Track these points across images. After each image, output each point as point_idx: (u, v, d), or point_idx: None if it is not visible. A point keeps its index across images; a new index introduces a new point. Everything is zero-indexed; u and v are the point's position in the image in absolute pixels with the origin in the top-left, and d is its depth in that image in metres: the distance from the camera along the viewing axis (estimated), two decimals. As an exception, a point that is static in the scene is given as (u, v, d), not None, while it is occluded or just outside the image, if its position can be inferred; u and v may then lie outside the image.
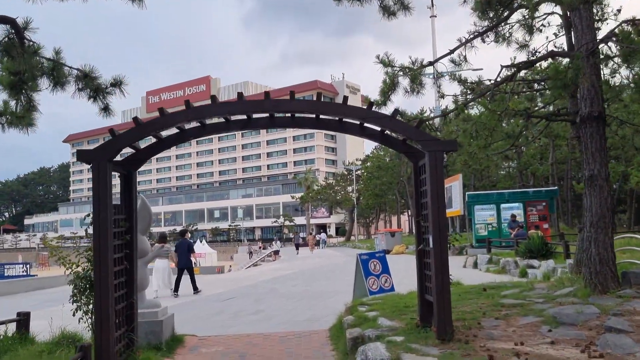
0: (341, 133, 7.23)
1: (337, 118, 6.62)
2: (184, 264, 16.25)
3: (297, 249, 51.01)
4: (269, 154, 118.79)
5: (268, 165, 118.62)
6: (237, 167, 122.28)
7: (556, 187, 27.74)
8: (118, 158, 6.15)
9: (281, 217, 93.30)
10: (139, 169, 6.71)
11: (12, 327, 7.35)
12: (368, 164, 70.76)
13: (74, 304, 6.32)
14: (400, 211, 71.68)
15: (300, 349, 7.72)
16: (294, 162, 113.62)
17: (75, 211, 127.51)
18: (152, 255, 8.20)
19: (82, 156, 5.78)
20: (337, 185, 77.87)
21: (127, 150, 6.43)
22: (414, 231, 62.21)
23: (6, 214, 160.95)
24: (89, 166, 6.28)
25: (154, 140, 6.80)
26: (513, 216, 22.66)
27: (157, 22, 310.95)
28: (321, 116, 6.68)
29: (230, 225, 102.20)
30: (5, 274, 26.62)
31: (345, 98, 6.06)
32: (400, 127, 6.12)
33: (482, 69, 13.65)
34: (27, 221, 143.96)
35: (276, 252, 47.28)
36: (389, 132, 7.11)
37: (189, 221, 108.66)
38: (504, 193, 25.76)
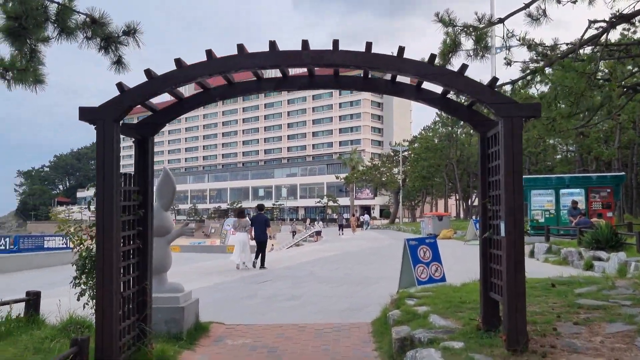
0: (393, 96, 6.09)
1: (389, 77, 5.50)
2: (260, 237, 16.47)
3: (340, 230, 50.17)
4: (314, 134, 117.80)
5: (313, 145, 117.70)
6: (282, 146, 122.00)
7: (623, 173, 25.57)
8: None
9: (325, 197, 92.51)
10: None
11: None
12: (415, 145, 68.82)
13: (76, 287, 5.49)
14: (447, 194, 69.58)
15: (339, 346, 6.74)
16: (340, 142, 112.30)
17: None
18: (175, 233, 7.33)
19: (84, 114, 4.88)
20: (383, 166, 76.32)
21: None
22: (461, 216, 60.31)
23: (60, 187, 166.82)
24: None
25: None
26: (574, 203, 20.79)
27: None
28: (370, 74, 5.57)
29: (274, 204, 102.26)
30: (45, 246, 26.78)
31: (401, 48, 4.90)
32: (470, 87, 4.93)
33: (545, 44, 12.19)
34: (79, 194, 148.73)
35: (318, 233, 46.59)
36: (450, 97, 5.94)
37: (234, 199, 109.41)
38: (564, 177, 23.85)
